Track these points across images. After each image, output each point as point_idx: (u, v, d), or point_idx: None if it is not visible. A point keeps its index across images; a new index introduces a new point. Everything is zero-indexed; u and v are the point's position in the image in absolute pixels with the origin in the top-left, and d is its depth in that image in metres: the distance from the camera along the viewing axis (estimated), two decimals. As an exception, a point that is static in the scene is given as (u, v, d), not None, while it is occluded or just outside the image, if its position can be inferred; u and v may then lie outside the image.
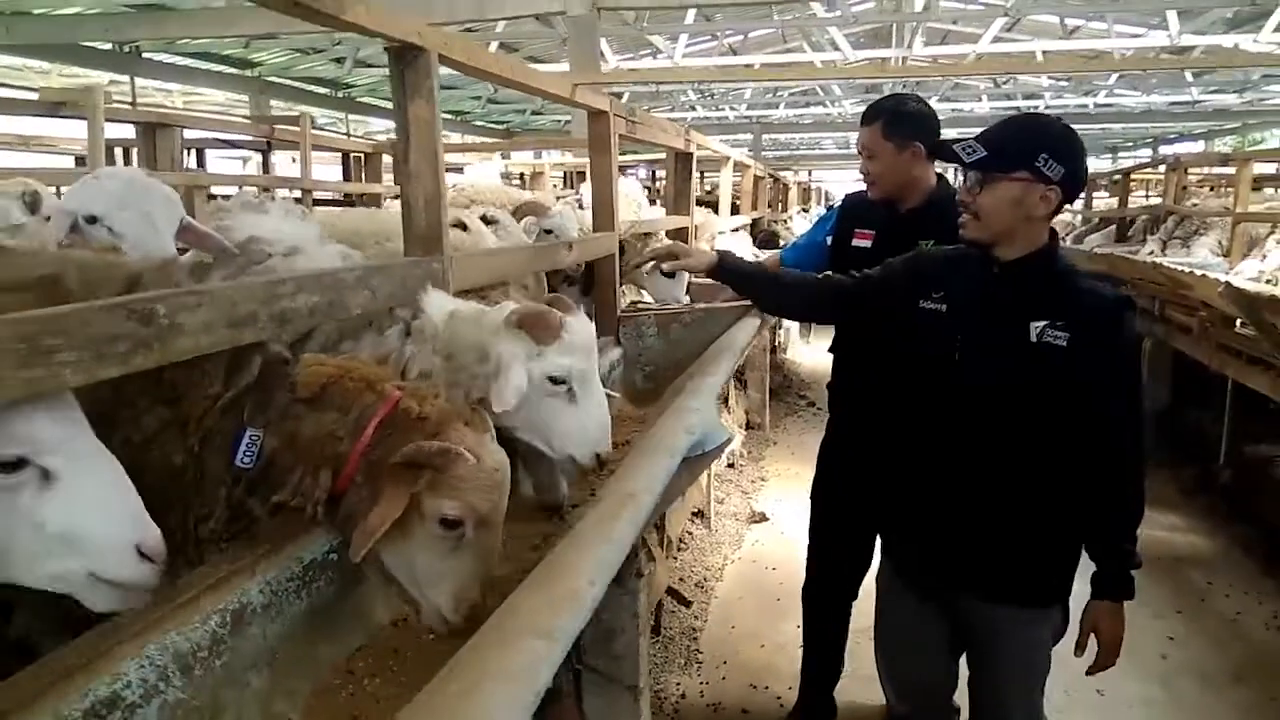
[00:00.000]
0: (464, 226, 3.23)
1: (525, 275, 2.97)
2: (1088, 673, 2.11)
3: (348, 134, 14.68)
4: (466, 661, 0.87)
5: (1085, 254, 7.16)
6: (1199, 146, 25.41)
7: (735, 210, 7.78)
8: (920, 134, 2.60)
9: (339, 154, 8.34)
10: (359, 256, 2.29)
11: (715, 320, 3.10)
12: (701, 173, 10.22)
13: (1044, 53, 13.62)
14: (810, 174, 24.89)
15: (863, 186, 2.89)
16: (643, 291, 4.83)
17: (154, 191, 2.39)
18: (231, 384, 1.51)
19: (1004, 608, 2.12)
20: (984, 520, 2.08)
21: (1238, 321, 4.64)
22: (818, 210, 15.11)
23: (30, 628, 1.51)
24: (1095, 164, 29.96)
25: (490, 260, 2.51)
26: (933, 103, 2.96)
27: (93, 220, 2.29)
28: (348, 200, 7.92)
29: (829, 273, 2.52)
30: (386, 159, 8.35)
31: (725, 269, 2.57)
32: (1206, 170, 11.32)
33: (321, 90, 16.72)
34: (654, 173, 12.15)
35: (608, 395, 2.44)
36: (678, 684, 3.46)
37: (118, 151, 6.93)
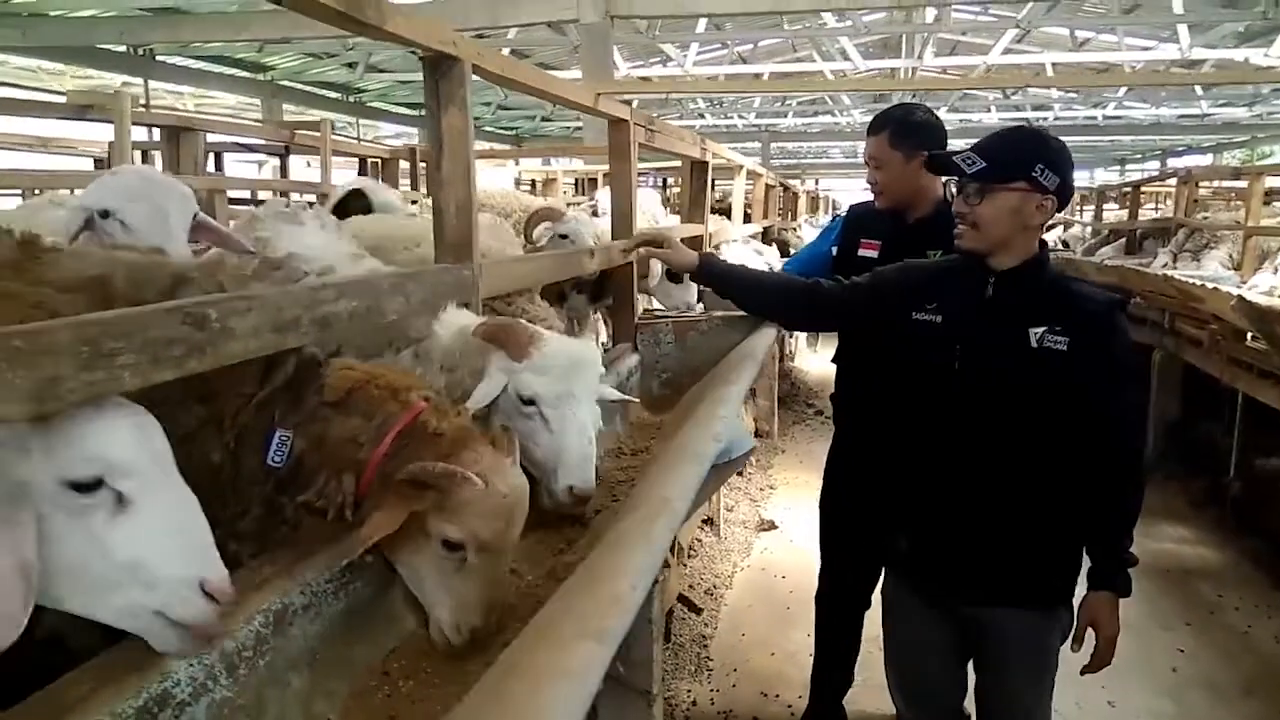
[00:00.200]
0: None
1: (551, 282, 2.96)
2: (1084, 671, 2.13)
3: (358, 138, 14.75)
4: (524, 662, 0.89)
5: (1096, 266, 7.17)
6: (1207, 160, 25.41)
7: (747, 219, 7.82)
8: (928, 144, 2.60)
9: (355, 159, 8.38)
10: (387, 272, 2.31)
11: (733, 328, 3.11)
12: (712, 181, 10.26)
13: (1054, 65, 13.65)
14: (817, 183, 24.93)
15: (870, 196, 2.90)
16: (652, 300, 4.85)
17: (167, 187, 2.40)
18: (266, 383, 1.52)
19: (1011, 611, 2.14)
20: (989, 524, 2.11)
21: (1248, 335, 4.66)
22: (824, 219, 15.13)
23: (59, 624, 1.53)
24: (1104, 176, 29.97)
25: (518, 267, 2.54)
26: (942, 113, 2.98)
27: (106, 215, 2.29)
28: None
29: (819, 278, 2.53)
30: (404, 164, 8.39)
31: (706, 270, 2.60)
32: (1216, 184, 11.33)
33: (333, 95, 16.82)
34: (665, 181, 12.18)
35: (625, 400, 2.45)
36: (689, 691, 3.47)
37: (137, 155, 6.97)
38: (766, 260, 5.71)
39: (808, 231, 10.66)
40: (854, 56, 14.05)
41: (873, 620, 2.86)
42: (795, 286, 2.55)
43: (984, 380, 2.05)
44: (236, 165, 10.48)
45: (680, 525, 1.37)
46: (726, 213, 7.58)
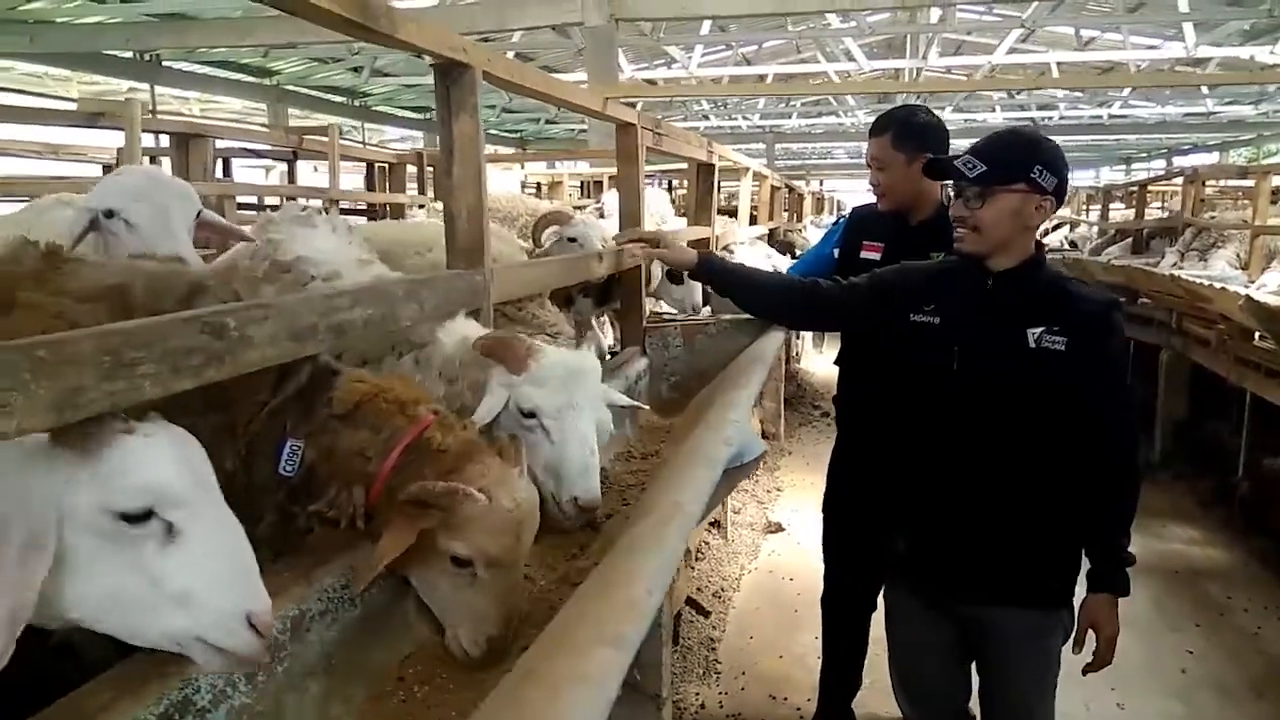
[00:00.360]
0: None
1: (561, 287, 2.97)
2: (1085, 671, 2.14)
3: (364, 142, 14.79)
4: (541, 668, 0.89)
5: (1103, 265, 7.15)
6: (1213, 158, 25.32)
7: (753, 220, 7.82)
8: (930, 146, 2.61)
9: (362, 164, 8.39)
10: (394, 278, 2.32)
11: (741, 331, 3.13)
12: (718, 183, 10.26)
13: (1059, 64, 13.62)
14: (822, 184, 24.90)
15: (873, 198, 2.90)
16: (660, 302, 4.85)
17: (170, 186, 2.42)
18: (279, 391, 1.52)
19: (1011, 611, 2.15)
20: (987, 524, 2.12)
21: (1256, 334, 4.65)
22: (829, 220, 15.11)
23: (72, 632, 1.54)
24: (1109, 175, 29.87)
25: (529, 272, 2.55)
26: (946, 113, 2.99)
27: (111, 214, 2.30)
28: (371, 210, 7.96)
29: (818, 279, 2.55)
30: (410, 169, 8.40)
31: (705, 267, 2.61)
32: (1223, 182, 11.29)
33: (338, 99, 16.87)
34: (670, 183, 12.18)
35: (635, 406, 2.46)
36: (697, 694, 3.47)
37: (147, 161, 6.99)
38: (775, 264, 5.71)
39: (813, 233, 10.66)
40: (858, 57, 14.06)
41: (880, 623, 2.86)
42: (795, 286, 2.58)
43: (983, 381, 2.06)
44: (244, 171, 10.52)
45: (692, 530, 1.37)
46: (733, 214, 7.59)
